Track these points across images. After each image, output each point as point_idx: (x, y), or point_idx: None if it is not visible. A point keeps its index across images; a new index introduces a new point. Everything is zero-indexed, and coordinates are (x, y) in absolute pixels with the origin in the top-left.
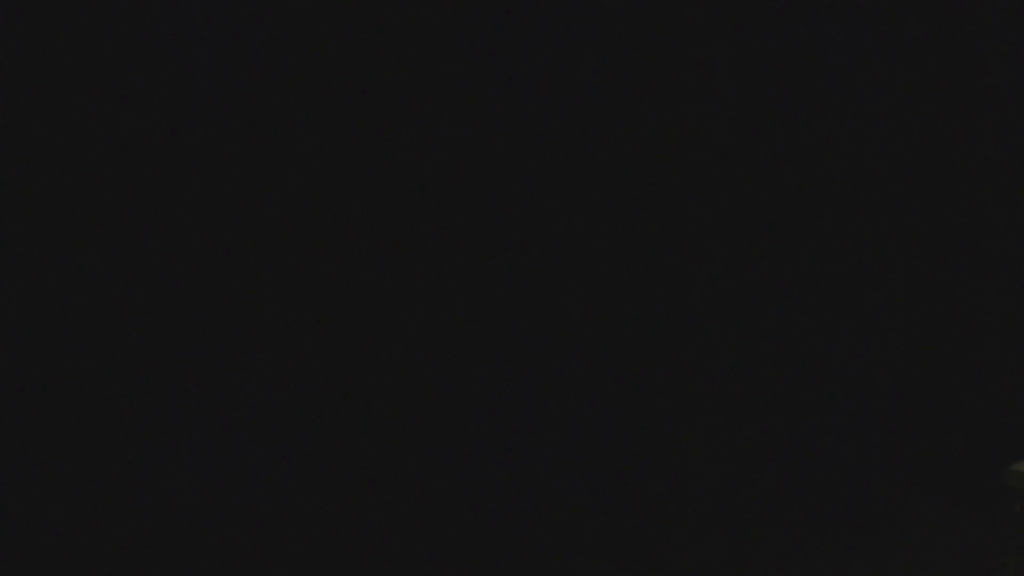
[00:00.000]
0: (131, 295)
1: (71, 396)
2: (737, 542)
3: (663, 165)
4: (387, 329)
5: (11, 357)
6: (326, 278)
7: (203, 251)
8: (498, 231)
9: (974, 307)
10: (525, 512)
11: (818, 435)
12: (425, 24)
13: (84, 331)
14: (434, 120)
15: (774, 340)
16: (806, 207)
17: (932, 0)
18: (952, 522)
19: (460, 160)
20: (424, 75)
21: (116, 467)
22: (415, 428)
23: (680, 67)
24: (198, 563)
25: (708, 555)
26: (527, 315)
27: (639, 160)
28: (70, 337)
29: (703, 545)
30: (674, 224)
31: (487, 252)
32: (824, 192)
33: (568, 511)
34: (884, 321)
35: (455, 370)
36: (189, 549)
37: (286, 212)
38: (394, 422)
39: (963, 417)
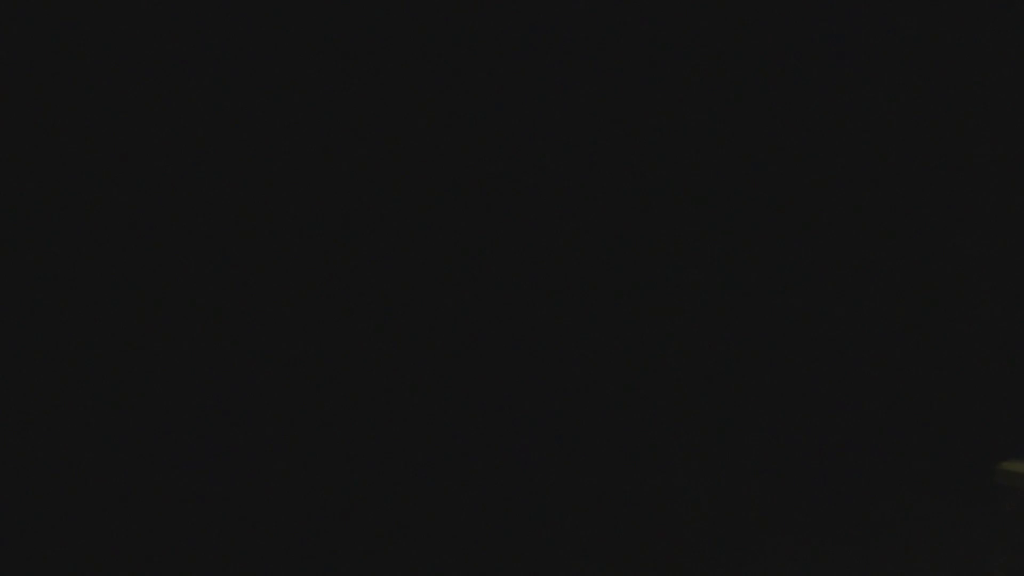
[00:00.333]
0: (131, 295)
1: (71, 396)
2: (731, 541)
3: (656, 168)
4: (383, 331)
5: (11, 357)
6: (310, 283)
7: (203, 251)
8: (494, 236)
9: (966, 308)
10: (521, 513)
11: (811, 435)
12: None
13: (84, 331)
14: (424, 123)
15: (768, 342)
16: (800, 209)
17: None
18: (943, 520)
19: (456, 161)
20: (418, 77)
21: (116, 467)
22: (411, 431)
23: (668, 69)
24: (198, 563)
25: (703, 555)
26: (522, 318)
27: (632, 163)
28: (70, 337)
29: (699, 545)
30: (666, 227)
31: (480, 255)
32: (818, 193)
33: (564, 512)
34: (877, 322)
35: (451, 373)
36: (189, 549)
37: (286, 212)
38: (390, 425)
39: (954, 416)
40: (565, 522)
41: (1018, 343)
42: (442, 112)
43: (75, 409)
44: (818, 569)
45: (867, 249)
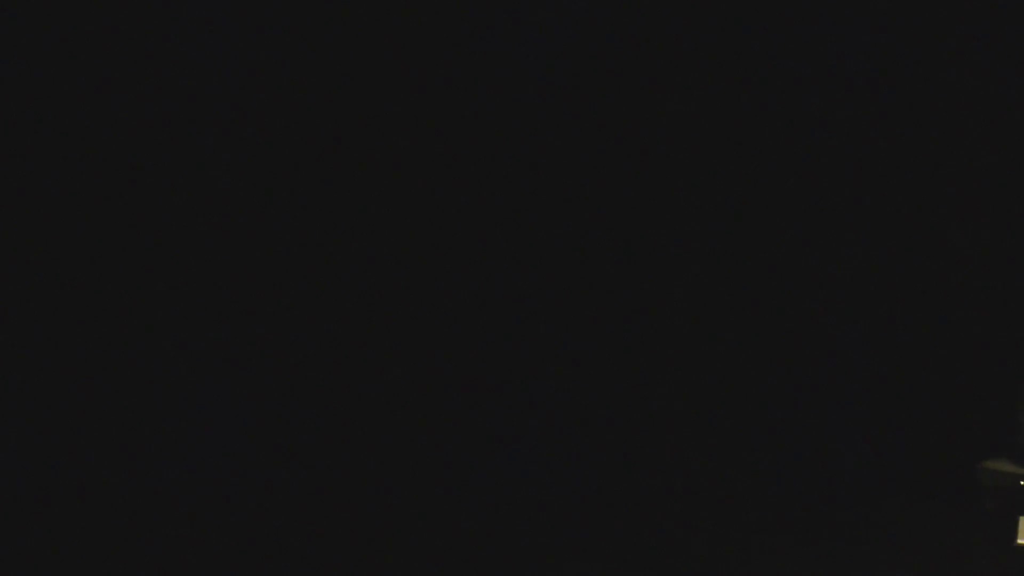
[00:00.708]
0: (131, 295)
1: (72, 396)
2: (715, 542)
3: (642, 167)
4: (372, 334)
5: (11, 357)
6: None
7: (204, 252)
8: (476, 236)
9: (948, 308)
10: (515, 513)
11: (794, 436)
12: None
13: (84, 331)
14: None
15: (754, 345)
16: (784, 212)
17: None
18: (926, 518)
19: (456, 161)
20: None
21: (115, 467)
22: (405, 431)
23: (667, 69)
24: (198, 563)
25: (689, 555)
26: (515, 318)
27: (623, 163)
28: (71, 338)
29: (685, 545)
30: (654, 228)
31: (466, 256)
32: (802, 198)
33: (555, 512)
34: (860, 324)
35: (444, 374)
36: (189, 549)
37: (286, 214)
38: (383, 426)
39: (937, 415)
40: (556, 522)
41: (1000, 342)
42: (442, 112)
43: (75, 409)
44: (802, 569)
45: (849, 251)
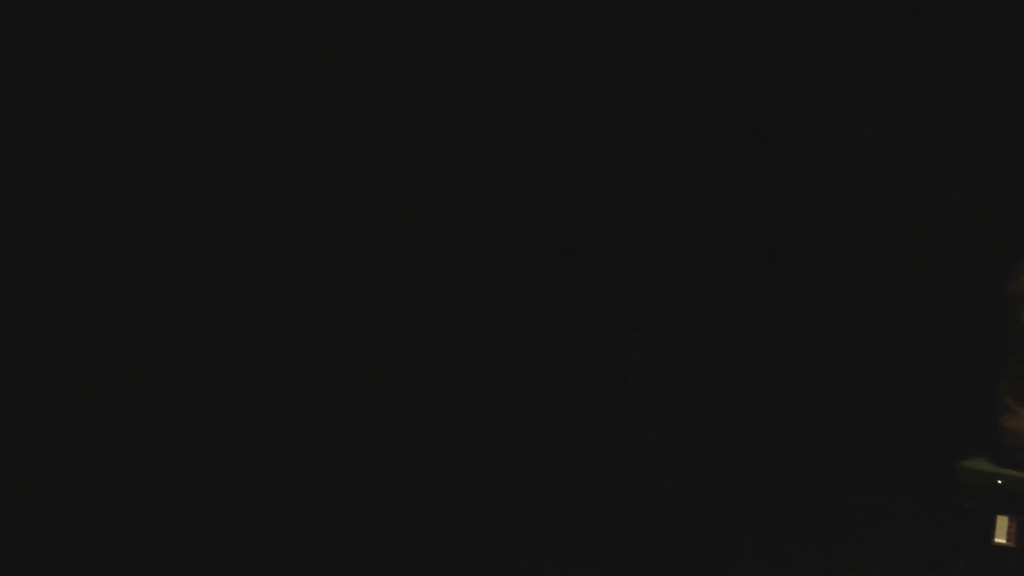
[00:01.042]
0: (132, 296)
1: (71, 397)
2: (695, 542)
3: (630, 168)
4: (350, 335)
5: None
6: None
7: (204, 253)
8: (455, 235)
9: (926, 308)
10: (494, 512)
11: (773, 436)
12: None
13: (83, 332)
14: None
15: (734, 346)
16: (763, 211)
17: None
18: (905, 517)
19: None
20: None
21: (114, 466)
22: (386, 431)
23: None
24: (198, 563)
25: (669, 554)
26: (491, 316)
27: (614, 163)
28: (71, 338)
29: (664, 545)
30: (630, 226)
31: (455, 256)
32: (781, 197)
33: (535, 512)
34: (840, 324)
35: (424, 374)
36: (189, 549)
37: (286, 214)
38: (365, 425)
39: (916, 414)
40: (536, 522)
41: (978, 342)
42: (441, 112)
43: (75, 409)
44: (781, 567)
45: (829, 251)
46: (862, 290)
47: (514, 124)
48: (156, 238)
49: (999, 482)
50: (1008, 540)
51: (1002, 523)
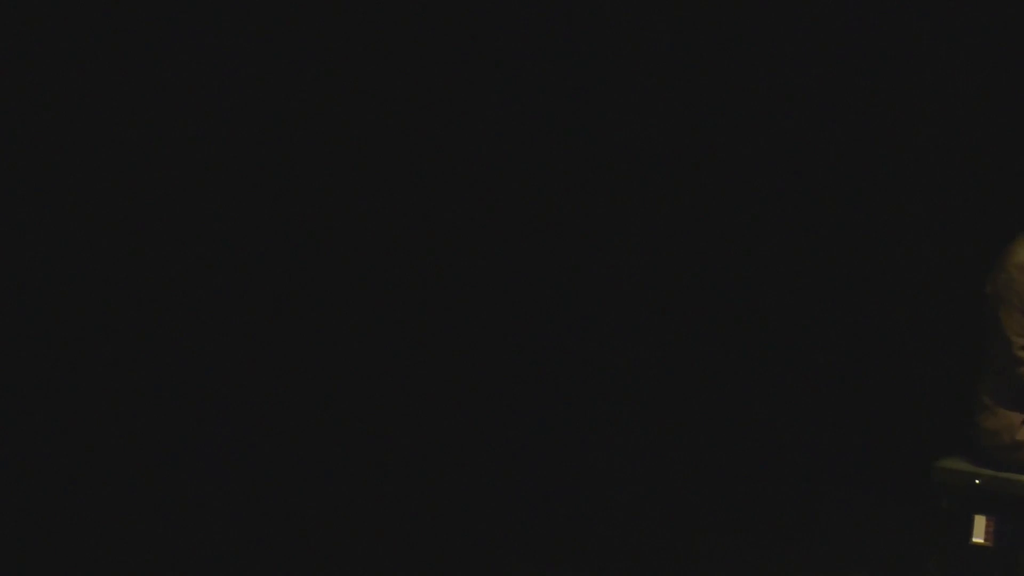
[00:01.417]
0: (131, 296)
1: (72, 396)
2: (668, 542)
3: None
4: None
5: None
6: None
7: (205, 253)
8: (440, 236)
9: (902, 307)
10: (468, 514)
11: (747, 435)
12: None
13: (83, 332)
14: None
15: (707, 347)
16: (741, 212)
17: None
18: (881, 517)
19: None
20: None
21: (114, 466)
22: (384, 431)
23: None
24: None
25: (638, 556)
26: (487, 317)
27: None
28: (71, 338)
29: (634, 546)
30: (588, 230)
31: (432, 257)
32: (753, 200)
33: (508, 513)
34: (814, 323)
35: (416, 377)
36: (190, 548)
37: (286, 215)
38: (358, 427)
39: (891, 414)
40: (519, 524)
41: (953, 341)
42: (441, 112)
43: (76, 408)
44: (757, 567)
45: (803, 253)
46: (837, 290)
47: (513, 124)
48: (156, 237)
49: (976, 482)
50: (985, 540)
51: (979, 523)
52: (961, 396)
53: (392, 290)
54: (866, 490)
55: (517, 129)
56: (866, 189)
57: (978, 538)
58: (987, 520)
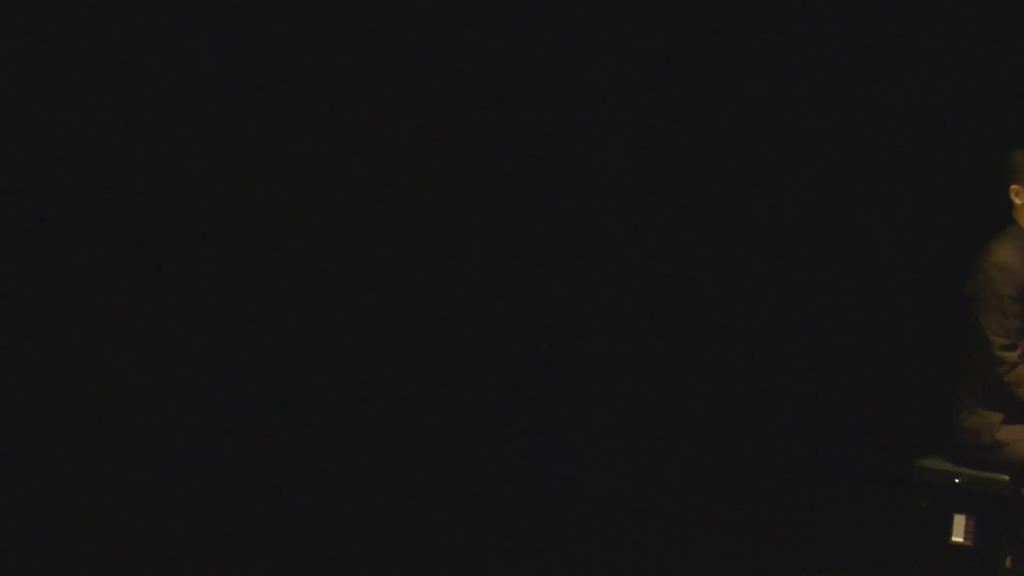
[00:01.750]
0: (132, 296)
1: (72, 396)
2: (646, 542)
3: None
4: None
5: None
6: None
7: (204, 253)
8: (439, 237)
9: (883, 310)
10: (467, 514)
11: (726, 435)
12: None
13: (83, 332)
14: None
15: (688, 347)
16: (724, 213)
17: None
18: (860, 516)
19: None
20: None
21: (113, 467)
22: (362, 433)
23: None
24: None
25: (616, 556)
26: (463, 321)
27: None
28: (71, 338)
29: (611, 547)
30: (578, 232)
31: (429, 258)
32: (742, 199)
33: (506, 513)
34: (793, 323)
35: (411, 378)
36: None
37: (287, 215)
38: (343, 428)
39: (870, 413)
40: (492, 523)
41: (932, 341)
42: (440, 112)
43: (75, 409)
44: (736, 567)
45: (784, 255)
46: (817, 291)
47: (513, 124)
48: (156, 238)
49: (956, 481)
50: (965, 539)
51: (959, 522)
52: (941, 396)
53: (391, 290)
54: (846, 490)
55: (517, 129)
56: (846, 193)
57: (958, 537)
58: (967, 519)
